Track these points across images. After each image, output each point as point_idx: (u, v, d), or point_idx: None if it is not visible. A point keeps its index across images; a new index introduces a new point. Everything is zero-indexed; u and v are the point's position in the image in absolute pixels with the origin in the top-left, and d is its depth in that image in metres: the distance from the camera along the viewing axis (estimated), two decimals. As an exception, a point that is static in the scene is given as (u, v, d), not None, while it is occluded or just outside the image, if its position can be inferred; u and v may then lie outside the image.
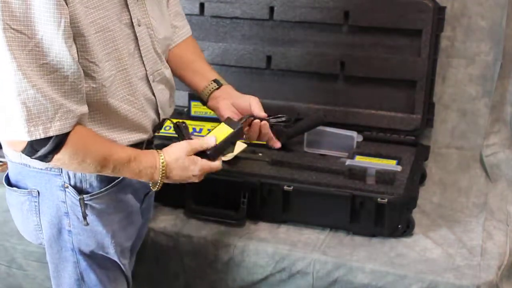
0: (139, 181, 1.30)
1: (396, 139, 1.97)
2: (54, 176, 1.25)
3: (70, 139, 1.13)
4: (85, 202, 1.26)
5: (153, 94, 1.31)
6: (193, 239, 1.63)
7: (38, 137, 1.09)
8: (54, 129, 1.10)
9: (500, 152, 1.97)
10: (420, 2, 1.88)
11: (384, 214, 1.58)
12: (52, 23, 1.06)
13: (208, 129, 1.88)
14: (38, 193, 1.27)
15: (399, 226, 1.59)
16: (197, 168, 1.28)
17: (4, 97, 1.07)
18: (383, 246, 1.57)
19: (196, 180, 1.31)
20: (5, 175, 1.35)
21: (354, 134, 1.89)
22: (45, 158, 1.13)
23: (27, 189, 1.28)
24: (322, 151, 1.87)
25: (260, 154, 1.81)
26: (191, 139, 1.33)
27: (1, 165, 1.97)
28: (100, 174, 1.23)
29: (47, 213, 1.28)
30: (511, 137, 2.01)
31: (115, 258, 1.35)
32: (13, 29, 1.03)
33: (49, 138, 1.10)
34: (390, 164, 1.74)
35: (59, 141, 1.12)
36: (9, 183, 1.33)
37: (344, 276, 1.51)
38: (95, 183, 1.27)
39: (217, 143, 1.32)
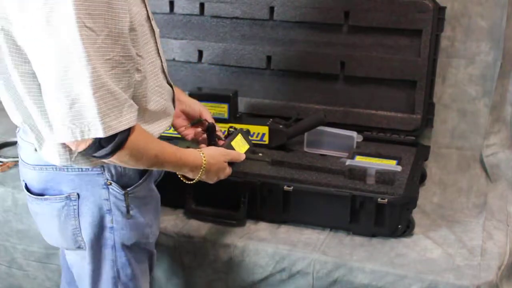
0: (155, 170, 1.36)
1: (396, 139, 1.97)
2: (96, 175, 1.24)
3: (132, 135, 1.13)
4: (130, 195, 1.28)
5: (170, 84, 1.34)
6: (193, 239, 1.63)
7: (111, 133, 1.09)
8: (125, 123, 1.10)
9: (500, 152, 1.97)
10: (420, 2, 1.88)
11: (384, 214, 1.58)
12: (121, 18, 1.07)
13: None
14: (78, 196, 1.25)
15: (399, 226, 1.59)
16: (224, 175, 1.41)
17: (76, 96, 1.05)
18: (383, 246, 1.57)
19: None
20: (23, 186, 1.31)
21: (354, 134, 1.89)
22: (108, 155, 1.13)
23: (63, 194, 1.26)
24: (322, 151, 1.87)
25: (260, 154, 1.81)
26: (218, 141, 1.49)
27: (1, 165, 1.97)
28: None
29: (87, 214, 1.27)
30: (511, 137, 2.01)
31: (152, 248, 1.39)
32: (87, 26, 1.02)
33: (116, 134, 1.10)
34: (390, 164, 1.74)
35: (124, 138, 1.12)
36: (33, 192, 1.29)
37: (344, 276, 1.51)
38: (133, 176, 1.29)
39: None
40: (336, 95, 2.05)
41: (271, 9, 2.05)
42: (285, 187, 1.63)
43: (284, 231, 1.65)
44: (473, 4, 1.93)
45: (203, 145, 1.47)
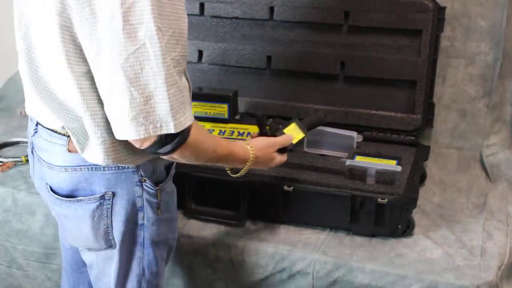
0: None
1: (396, 139, 1.97)
2: (132, 173, 1.24)
3: (192, 130, 1.15)
4: (162, 190, 1.29)
5: (187, 79, 1.34)
6: (193, 239, 1.63)
7: (180, 129, 1.10)
8: (189, 119, 1.13)
9: (500, 152, 1.97)
10: (420, 2, 1.88)
11: (384, 214, 1.58)
12: (182, 19, 1.09)
13: (209, 129, 1.90)
14: (113, 194, 1.25)
15: (399, 226, 1.59)
16: (274, 163, 1.46)
17: (150, 93, 1.07)
18: (383, 246, 1.57)
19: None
20: (48, 189, 1.28)
21: (354, 134, 1.89)
22: (170, 152, 1.15)
23: (96, 194, 1.24)
24: (322, 151, 1.87)
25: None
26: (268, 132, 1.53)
27: (1, 165, 1.97)
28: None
29: (121, 212, 1.27)
30: (511, 137, 2.01)
31: (174, 243, 1.41)
32: (158, 26, 1.04)
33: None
34: (390, 164, 1.74)
35: (187, 133, 1.14)
36: (61, 195, 1.27)
37: (344, 276, 1.51)
38: (162, 171, 1.30)
39: (294, 142, 1.54)
40: (336, 95, 2.05)
41: (271, 9, 2.05)
42: (285, 187, 1.63)
43: (284, 231, 1.65)
44: (473, 4, 1.93)
45: (254, 134, 1.53)
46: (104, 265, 1.34)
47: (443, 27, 1.93)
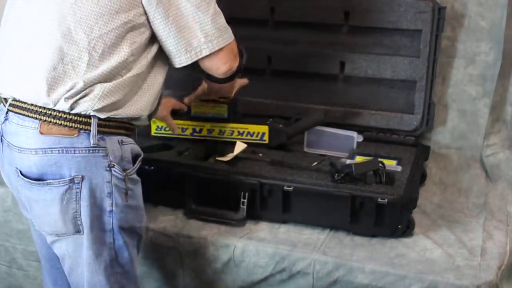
0: None
1: (396, 139, 1.97)
2: (101, 157, 1.28)
3: None
4: (129, 178, 1.33)
5: None
6: (193, 239, 1.63)
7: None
8: None
9: (500, 152, 1.97)
10: (420, 2, 1.88)
11: (384, 214, 1.58)
12: None
13: (208, 129, 1.90)
14: (82, 178, 1.27)
15: (399, 226, 1.59)
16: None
17: (219, 19, 1.37)
18: (383, 246, 1.57)
19: None
20: (18, 173, 1.30)
21: (354, 134, 1.89)
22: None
23: (65, 177, 1.27)
24: (322, 151, 1.87)
25: (260, 154, 1.81)
26: None
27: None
28: None
29: (89, 197, 1.29)
30: (511, 137, 2.01)
31: (142, 232, 1.44)
32: None
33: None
34: (390, 164, 1.74)
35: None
36: (31, 178, 1.29)
37: (344, 276, 1.51)
38: (130, 160, 1.34)
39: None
40: (336, 95, 2.05)
41: (271, 9, 2.05)
42: (285, 187, 1.63)
43: (284, 231, 1.65)
44: (473, 4, 1.93)
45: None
46: (76, 255, 1.36)
47: (443, 27, 1.92)
